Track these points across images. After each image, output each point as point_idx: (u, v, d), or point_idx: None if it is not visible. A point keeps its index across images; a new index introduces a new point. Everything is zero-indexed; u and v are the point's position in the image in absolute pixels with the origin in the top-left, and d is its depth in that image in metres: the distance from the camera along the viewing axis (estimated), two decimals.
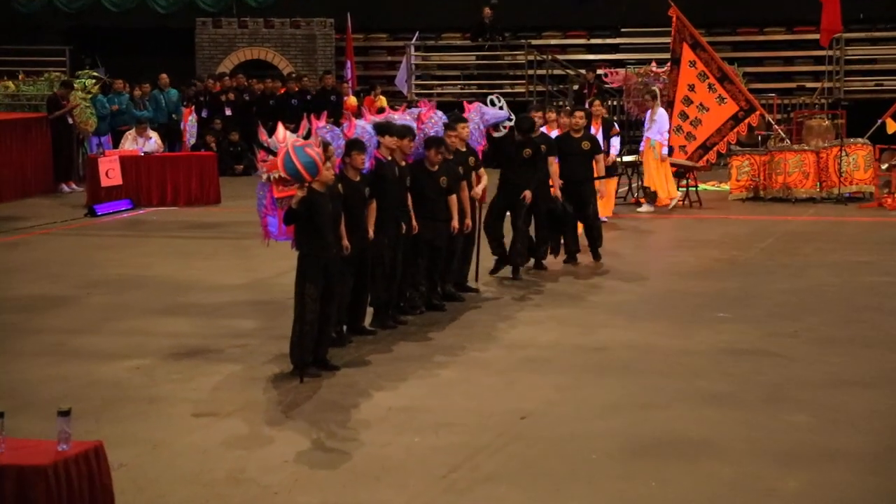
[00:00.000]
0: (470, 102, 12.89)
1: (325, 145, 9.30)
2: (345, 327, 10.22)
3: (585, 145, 13.87)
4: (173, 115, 23.29)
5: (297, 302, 9.16)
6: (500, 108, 12.99)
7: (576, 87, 26.25)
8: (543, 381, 9.12)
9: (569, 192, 13.63)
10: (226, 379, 9.24)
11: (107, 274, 13.69)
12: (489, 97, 13.22)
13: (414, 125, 11.12)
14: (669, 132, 19.73)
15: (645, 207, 18.33)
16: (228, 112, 24.91)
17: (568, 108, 16.84)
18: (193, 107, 24.04)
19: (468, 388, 8.95)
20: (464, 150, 11.82)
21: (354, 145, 9.98)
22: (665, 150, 18.29)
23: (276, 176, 8.87)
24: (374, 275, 10.48)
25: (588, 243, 14.03)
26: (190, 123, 23.68)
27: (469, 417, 8.19)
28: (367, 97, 25.93)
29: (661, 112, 18.59)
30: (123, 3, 29.28)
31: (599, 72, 26.34)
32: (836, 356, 9.78)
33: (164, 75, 23.57)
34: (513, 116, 13.24)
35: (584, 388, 8.93)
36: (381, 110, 12.90)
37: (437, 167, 11.13)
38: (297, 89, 25.39)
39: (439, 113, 11.86)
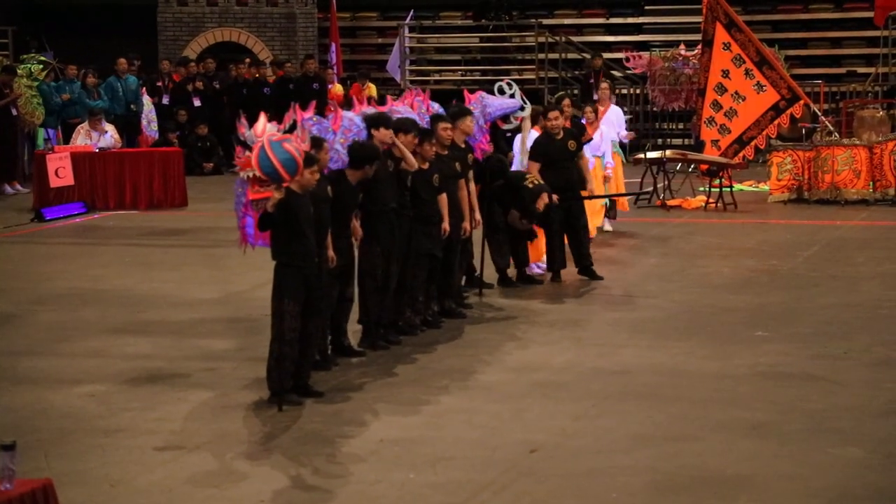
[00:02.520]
0: (472, 91, 12.92)
1: (319, 142, 9.33)
2: (330, 347, 10.25)
3: (572, 145, 13.51)
4: (132, 106, 23.34)
5: (274, 319, 9.18)
6: (511, 95, 13.04)
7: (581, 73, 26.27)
8: (557, 409, 9.14)
9: (561, 205, 13.20)
10: (194, 407, 9.25)
11: (57, 288, 13.71)
12: (497, 84, 13.26)
13: (416, 118, 11.16)
14: (699, 126, 19.82)
15: (608, 225, 16.83)
16: (197, 102, 24.95)
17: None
18: (145, 87, 24.05)
19: (470, 417, 8.96)
20: (462, 146, 11.88)
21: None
22: (609, 172, 16.27)
23: (252, 175, 8.89)
24: (365, 289, 10.50)
25: (576, 261, 13.60)
26: (146, 108, 23.74)
27: (472, 450, 8.21)
28: (354, 84, 25.99)
29: (614, 108, 17.41)
30: None
31: (620, 56, 26.43)
32: (893, 381, 9.80)
33: (121, 60, 23.60)
34: (527, 105, 13.28)
35: (603, 418, 8.94)
36: (379, 101, 12.88)
37: (428, 164, 11.16)
38: (271, 79, 25.38)
39: (434, 105, 11.90)
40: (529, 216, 12.90)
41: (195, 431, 8.69)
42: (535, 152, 13.38)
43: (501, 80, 13.88)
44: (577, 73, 27.31)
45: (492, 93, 13.10)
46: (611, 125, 16.36)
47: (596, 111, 16.05)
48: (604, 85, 17.69)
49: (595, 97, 18.92)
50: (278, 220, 8.94)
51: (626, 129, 18.13)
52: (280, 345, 9.10)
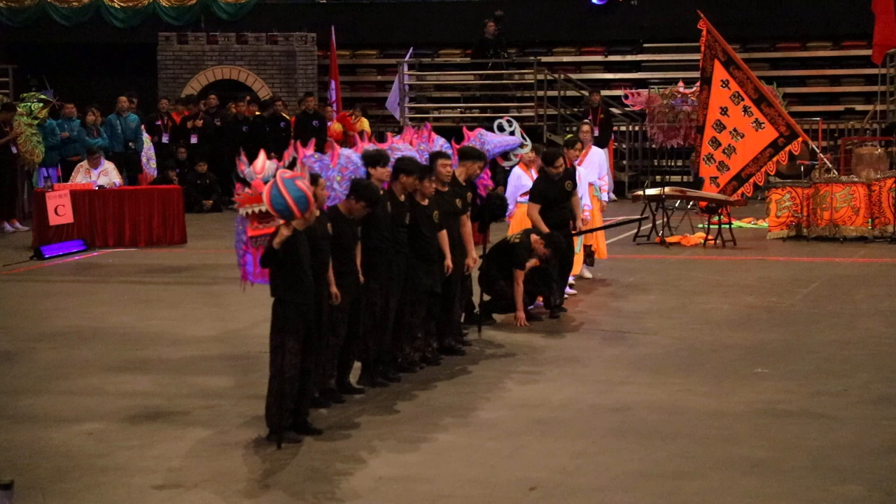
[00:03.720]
0: (471, 129, 12.97)
1: (314, 178, 9.35)
2: (333, 381, 10.23)
3: (569, 185, 13.64)
4: (131, 144, 23.42)
5: (273, 356, 9.18)
6: (511, 133, 13.10)
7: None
8: (556, 446, 9.13)
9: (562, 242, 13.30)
10: (192, 445, 9.24)
11: (56, 325, 13.71)
12: (497, 121, 13.33)
13: (416, 155, 11.19)
14: (698, 163, 19.83)
15: (587, 272, 16.13)
16: (193, 139, 25.04)
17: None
18: (144, 126, 24.19)
19: (470, 454, 8.95)
20: (464, 183, 11.96)
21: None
22: (605, 196, 16.38)
23: (252, 211, 8.90)
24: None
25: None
26: (145, 146, 23.87)
27: (471, 488, 8.20)
28: (342, 113, 26.05)
29: (596, 150, 16.45)
30: (75, 16, 29.51)
31: (619, 93, 26.53)
32: (892, 418, 9.79)
33: (122, 98, 23.71)
34: (527, 142, 13.36)
35: (603, 455, 8.94)
36: (379, 138, 12.86)
37: (428, 200, 11.18)
38: (258, 114, 25.54)
39: (440, 140, 11.95)
40: (529, 261, 13.02)
41: (194, 469, 8.67)
42: (536, 195, 13.47)
43: (500, 117, 13.94)
44: (575, 110, 27.40)
45: (491, 130, 13.16)
46: (591, 167, 15.77)
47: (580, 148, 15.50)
48: (585, 127, 16.97)
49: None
50: (280, 257, 8.96)
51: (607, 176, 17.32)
52: (279, 382, 9.10)
